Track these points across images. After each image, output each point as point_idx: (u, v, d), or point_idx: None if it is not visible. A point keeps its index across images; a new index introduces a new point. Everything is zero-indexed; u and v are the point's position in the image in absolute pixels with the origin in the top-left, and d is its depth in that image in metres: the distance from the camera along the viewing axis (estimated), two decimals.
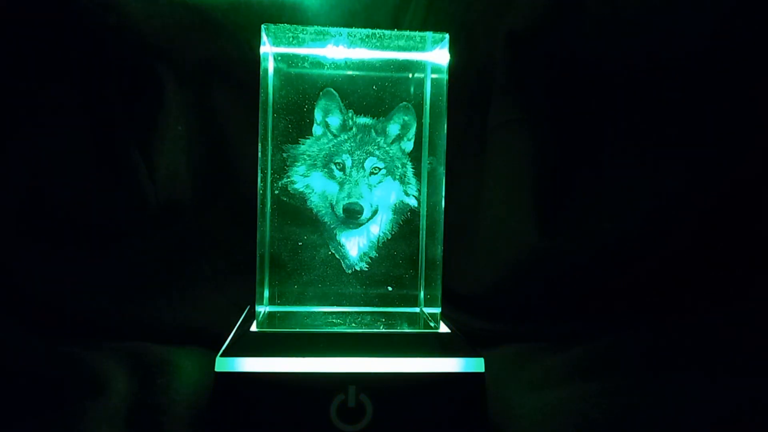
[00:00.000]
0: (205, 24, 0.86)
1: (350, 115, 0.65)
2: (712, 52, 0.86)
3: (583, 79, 0.90)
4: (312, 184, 0.65)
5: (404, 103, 0.65)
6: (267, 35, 0.62)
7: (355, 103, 0.65)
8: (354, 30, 0.63)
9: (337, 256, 0.66)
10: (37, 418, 0.58)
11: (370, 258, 0.66)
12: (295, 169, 0.65)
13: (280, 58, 0.64)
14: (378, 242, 0.66)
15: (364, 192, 0.65)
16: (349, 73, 0.65)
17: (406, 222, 0.66)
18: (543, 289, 0.92)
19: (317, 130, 0.65)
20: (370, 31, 0.63)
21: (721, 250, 0.90)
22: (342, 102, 0.65)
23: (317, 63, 0.64)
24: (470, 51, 0.90)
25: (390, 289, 0.67)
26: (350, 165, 0.65)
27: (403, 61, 0.65)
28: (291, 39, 0.63)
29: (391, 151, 0.66)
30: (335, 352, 0.57)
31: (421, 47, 0.65)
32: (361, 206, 0.64)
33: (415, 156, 0.66)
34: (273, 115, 0.64)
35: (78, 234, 0.86)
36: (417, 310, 0.67)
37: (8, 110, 0.84)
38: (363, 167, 0.65)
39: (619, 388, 0.67)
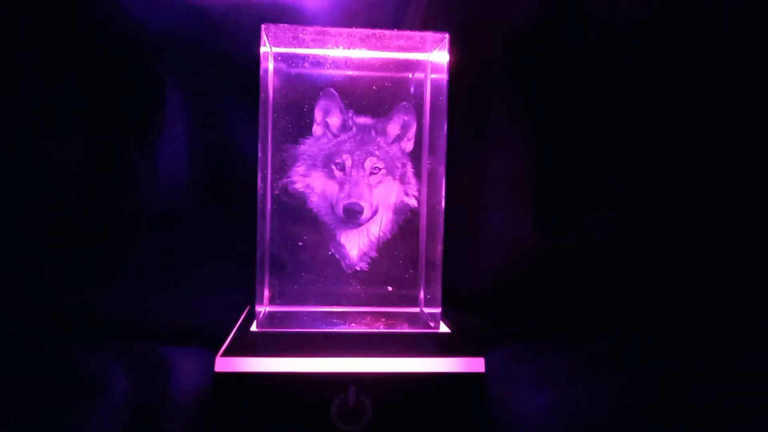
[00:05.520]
0: (205, 24, 0.86)
1: (350, 115, 0.65)
2: (712, 52, 0.86)
3: (583, 79, 0.90)
4: (312, 184, 0.65)
5: (404, 103, 0.65)
6: (267, 35, 0.62)
7: (355, 103, 0.65)
8: (354, 30, 0.63)
9: (337, 256, 0.66)
10: (37, 418, 0.58)
11: (370, 258, 0.66)
12: (295, 169, 0.65)
13: (280, 58, 0.64)
14: (378, 242, 0.66)
15: (364, 192, 0.65)
16: (349, 73, 0.65)
17: (406, 222, 0.66)
18: (543, 288, 0.92)
19: (317, 130, 0.65)
20: (370, 31, 0.63)
21: (721, 249, 0.90)
22: (342, 102, 0.65)
23: (317, 63, 0.64)
24: (470, 51, 0.90)
25: (390, 289, 0.67)
26: (350, 165, 0.65)
27: (403, 61, 0.65)
28: (291, 39, 0.63)
29: (391, 151, 0.66)
30: (335, 352, 0.57)
31: (421, 47, 0.65)
32: (361, 206, 0.64)
33: (415, 156, 0.66)
34: (273, 115, 0.64)
35: (78, 234, 0.86)
36: (417, 310, 0.67)
37: (8, 110, 0.84)
38: (363, 167, 0.65)
39: (620, 388, 0.67)
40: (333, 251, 0.66)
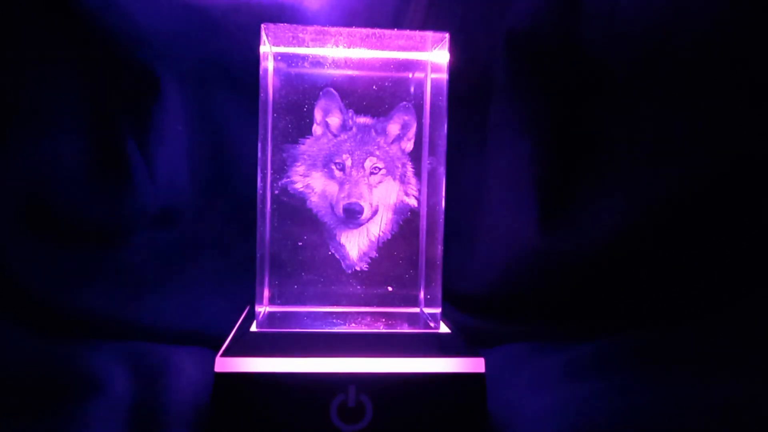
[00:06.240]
0: (205, 24, 0.86)
1: (350, 115, 0.65)
2: (712, 50, 0.86)
3: (583, 79, 0.90)
4: (312, 184, 0.65)
5: (404, 103, 0.65)
6: (267, 35, 0.62)
7: (355, 103, 0.65)
8: (354, 30, 0.63)
9: (337, 256, 0.66)
10: (36, 418, 0.58)
11: (370, 258, 0.66)
12: (295, 169, 0.65)
13: (280, 58, 0.64)
14: (378, 242, 0.66)
15: (364, 192, 0.65)
16: (349, 73, 0.65)
17: (406, 222, 0.66)
18: (543, 289, 0.92)
19: (317, 130, 0.65)
20: (370, 30, 0.63)
21: (721, 249, 0.90)
22: (342, 102, 0.65)
23: (317, 63, 0.64)
24: (470, 51, 0.90)
25: (390, 289, 0.67)
26: (350, 165, 0.65)
27: (403, 60, 0.65)
28: (291, 39, 0.63)
29: (391, 151, 0.66)
30: (335, 352, 0.57)
31: (421, 47, 0.65)
32: (361, 206, 0.64)
33: (415, 156, 0.66)
34: (273, 115, 0.64)
35: (78, 234, 0.86)
36: (417, 310, 0.67)
37: (9, 110, 0.84)
38: (363, 167, 0.65)
39: (620, 388, 0.67)
40: (333, 251, 0.66)
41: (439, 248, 0.65)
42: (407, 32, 0.63)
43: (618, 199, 0.90)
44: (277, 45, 0.64)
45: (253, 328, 0.62)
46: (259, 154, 0.62)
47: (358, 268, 0.66)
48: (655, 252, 0.90)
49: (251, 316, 0.66)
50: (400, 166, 0.66)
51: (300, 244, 0.65)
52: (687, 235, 0.90)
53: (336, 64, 0.64)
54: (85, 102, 0.86)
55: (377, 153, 0.65)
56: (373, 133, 0.65)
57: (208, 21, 0.87)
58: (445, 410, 0.56)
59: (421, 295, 0.67)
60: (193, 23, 0.86)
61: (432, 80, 0.65)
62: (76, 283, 0.84)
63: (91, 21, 0.84)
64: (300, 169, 0.65)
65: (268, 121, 0.63)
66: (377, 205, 0.66)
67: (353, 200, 0.64)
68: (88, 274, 0.85)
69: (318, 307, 0.66)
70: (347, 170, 0.65)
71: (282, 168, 0.65)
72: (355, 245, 0.66)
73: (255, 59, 0.63)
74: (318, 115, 0.65)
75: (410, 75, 0.66)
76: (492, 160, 0.93)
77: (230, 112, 0.89)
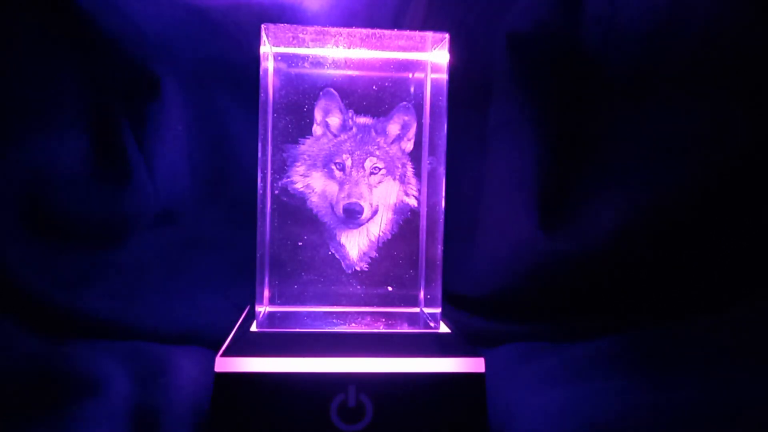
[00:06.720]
0: (205, 24, 0.86)
1: (350, 115, 0.65)
2: (713, 51, 0.86)
3: (583, 78, 0.90)
4: (312, 184, 0.65)
5: (404, 103, 0.65)
6: (267, 35, 0.62)
7: (355, 103, 0.65)
8: (354, 30, 0.63)
9: (337, 256, 0.66)
10: (36, 418, 0.58)
11: (370, 258, 0.66)
12: (295, 169, 0.65)
13: (280, 58, 0.64)
14: (378, 242, 0.66)
15: (364, 192, 0.65)
16: (349, 73, 0.65)
17: (406, 222, 0.66)
18: (543, 289, 0.92)
19: (317, 130, 0.65)
20: (370, 31, 0.63)
21: (721, 249, 0.90)
22: (342, 102, 0.65)
23: (317, 63, 0.64)
24: (470, 51, 0.90)
25: (390, 289, 0.67)
26: (350, 165, 0.65)
27: (403, 61, 0.65)
28: (291, 39, 0.63)
29: (391, 151, 0.66)
30: (335, 352, 0.57)
31: (421, 47, 0.65)
32: (361, 206, 0.64)
33: (415, 156, 0.66)
34: (273, 115, 0.64)
35: (78, 234, 0.86)
36: (417, 310, 0.67)
37: (9, 110, 0.84)
38: (363, 167, 0.65)
39: (620, 388, 0.67)
40: (333, 251, 0.66)
41: (439, 248, 0.65)
42: (407, 32, 0.63)
43: (618, 200, 0.90)
44: (277, 45, 0.64)
45: (253, 328, 0.62)
46: (259, 154, 0.62)
47: (358, 268, 0.66)
48: (655, 252, 0.90)
49: (251, 316, 0.66)
50: (400, 166, 0.66)
51: (300, 244, 0.65)
52: (687, 235, 0.90)
53: (336, 64, 0.64)
54: (85, 102, 0.86)
55: (377, 153, 0.65)
56: (373, 133, 0.66)
57: (208, 21, 0.87)
58: (445, 410, 0.56)
59: (421, 295, 0.67)
60: (193, 23, 0.86)
61: (432, 80, 0.66)
62: (76, 283, 0.84)
63: (91, 21, 0.84)
64: (300, 169, 0.65)
65: (268, 121, 0.63)
66: (377, 205, 0.66)
67: (353, 200, 0.64)
68: (88, 274, 0.85)
69: (318, 307, 0.66)
70: (347, 170, 0.65)
71: (282, 168, 0.65)
72: (355, 245, 0.66)
73: (255, 59, 0.63)
74: (318, 115, 0.65)
75: (410, 75, 0.66)
76: (492, 160, 0.93)
77: (230, 112, 0.90)
